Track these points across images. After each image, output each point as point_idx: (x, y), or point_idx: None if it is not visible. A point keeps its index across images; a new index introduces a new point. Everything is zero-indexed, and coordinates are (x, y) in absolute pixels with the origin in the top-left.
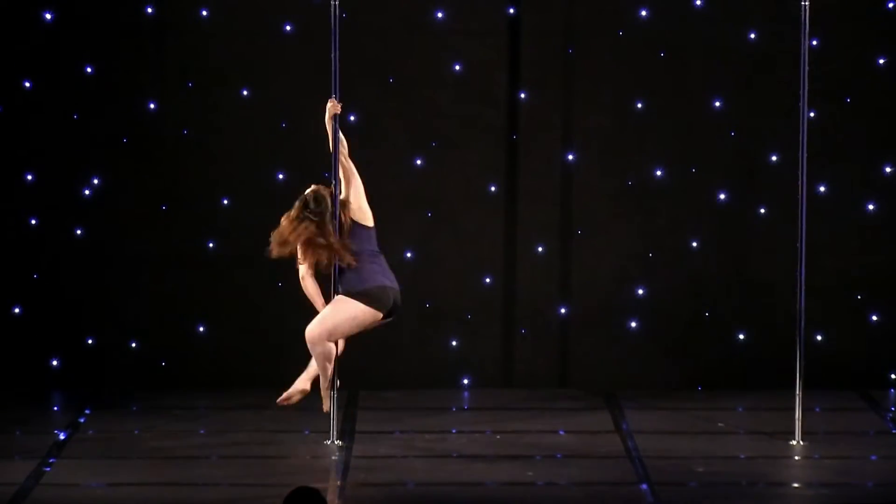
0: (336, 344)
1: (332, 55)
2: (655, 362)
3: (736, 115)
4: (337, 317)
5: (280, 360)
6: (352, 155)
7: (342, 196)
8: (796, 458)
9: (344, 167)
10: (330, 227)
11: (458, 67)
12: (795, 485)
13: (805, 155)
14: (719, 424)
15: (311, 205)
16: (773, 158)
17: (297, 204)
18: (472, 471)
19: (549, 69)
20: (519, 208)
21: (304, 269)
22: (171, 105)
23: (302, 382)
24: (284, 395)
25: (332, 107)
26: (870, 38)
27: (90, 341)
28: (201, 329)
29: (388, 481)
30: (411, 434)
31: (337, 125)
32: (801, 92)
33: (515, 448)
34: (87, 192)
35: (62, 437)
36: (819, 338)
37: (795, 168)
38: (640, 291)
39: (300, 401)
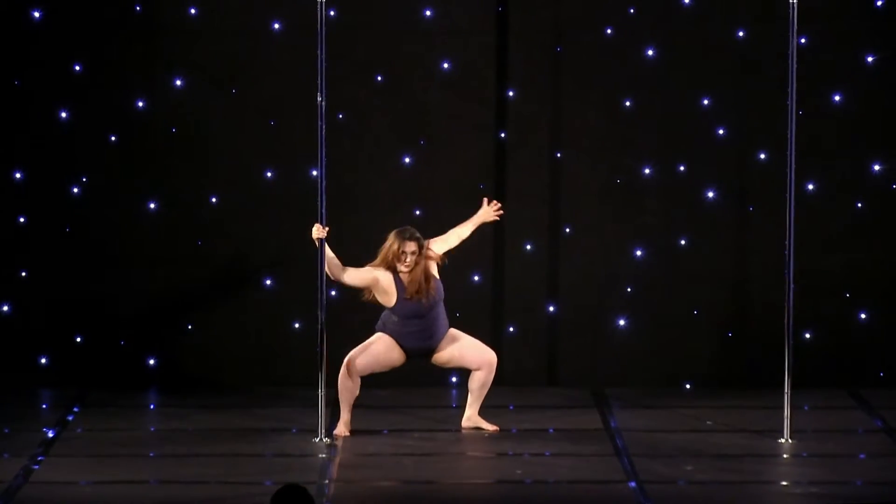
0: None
1: (319, 53)
2: (644, 360)
3: (724, 113)
4: None
5: (268, 359)
6: (342, 152)
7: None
8: (785, 456)
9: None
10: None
11: (446, 66)
12: (784, 483)
13: (793, 153)
14: (708, 422)
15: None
16: (762, 156)
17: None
18: (460, 469)
19: (537, 67)
20: (507, 206)
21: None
22: (160, 103)
23: None
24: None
25: (318, 231)
26: (859, 36)
27: (79, 339)
28: (190, 327)
29: (377, 479)
30: (400, 432)
31: (324, 247)
32: (789, 90)
33: (504, 446)
34: (75, 190)
35: (51, 434)
36: (807, 336)
37: (784, 166)
38: (629, 289)
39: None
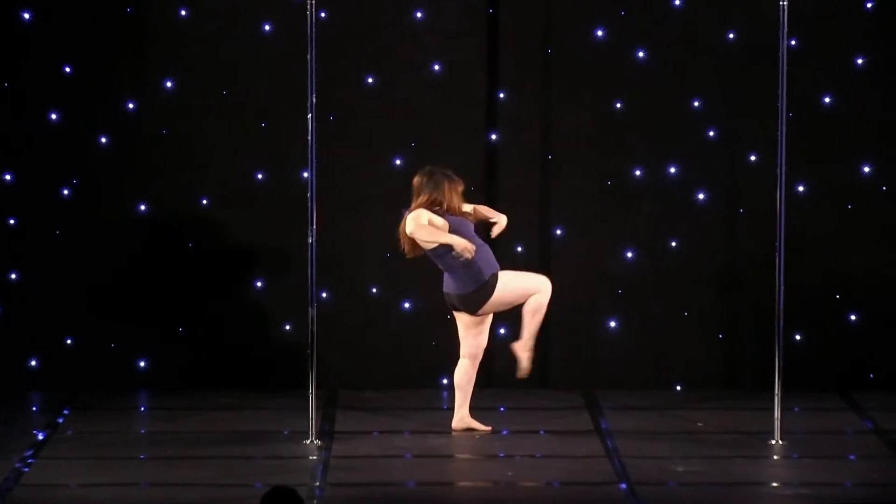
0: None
1: (309, 55)
2: (634, 362)
3: (715, 114)
4: None
5: (259, 361)
6: (332, 154)
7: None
8: (775, 457)
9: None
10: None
11: (437, 67)
12: (774, 484)
13: (784, 155)
14: (698, 424)
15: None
16: (752, 158)
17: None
18: (451, 471)
19: (528, 69)
20: (498, 208)
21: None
22: (150, 105)
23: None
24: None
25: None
26: (849, 38)
27: (69, 341)
28: (180, 329)
29: (368, 481)
30: (390, 434)
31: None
32: (779, 92)
33: (495, 448)
34: (65, 192)
35: (41, 437)
36: (798, 337)
37: (774, 168)
38: (620, 291)
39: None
